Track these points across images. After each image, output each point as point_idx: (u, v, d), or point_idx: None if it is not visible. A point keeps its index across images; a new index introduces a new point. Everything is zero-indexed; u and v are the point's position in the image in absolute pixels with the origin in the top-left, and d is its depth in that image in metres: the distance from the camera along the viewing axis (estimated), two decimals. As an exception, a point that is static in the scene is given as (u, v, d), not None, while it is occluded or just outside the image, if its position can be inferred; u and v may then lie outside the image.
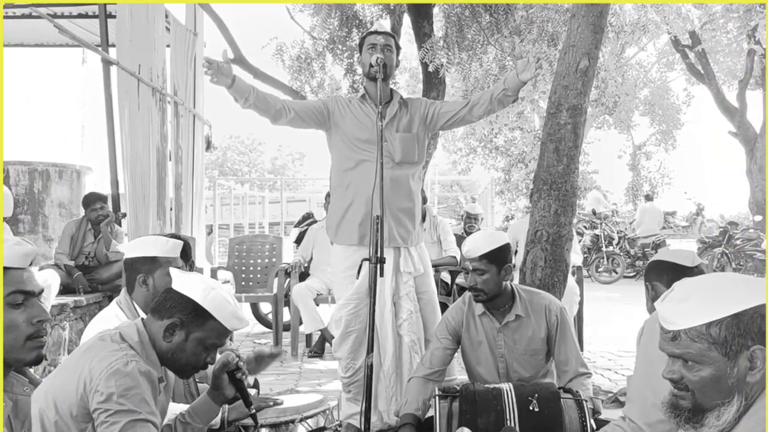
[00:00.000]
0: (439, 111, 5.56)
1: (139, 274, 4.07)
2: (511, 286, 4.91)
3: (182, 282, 3.17)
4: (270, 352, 4.39)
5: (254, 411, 3.45)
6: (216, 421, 3.94)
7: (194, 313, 3.09)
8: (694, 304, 2.31)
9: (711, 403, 2.33)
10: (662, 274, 3.76)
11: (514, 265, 5.05)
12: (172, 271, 3.28)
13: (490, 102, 5.40)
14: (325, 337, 8.78)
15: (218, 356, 3.49)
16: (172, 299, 3.13)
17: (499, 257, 4.75)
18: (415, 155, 5.49)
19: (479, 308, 4.91)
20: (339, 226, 5.44)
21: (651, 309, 3.71)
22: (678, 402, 2.39)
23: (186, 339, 3.09)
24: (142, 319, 3.21)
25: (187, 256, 4.94)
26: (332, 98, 5.60)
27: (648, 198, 23.99)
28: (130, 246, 4.31)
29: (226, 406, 4.02)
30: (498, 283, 4.76)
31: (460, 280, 9.61)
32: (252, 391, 4.30)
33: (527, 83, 5.40)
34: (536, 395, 4.10)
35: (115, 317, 3.85)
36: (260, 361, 4.43)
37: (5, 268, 2.34)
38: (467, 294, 5.04)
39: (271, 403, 4.05)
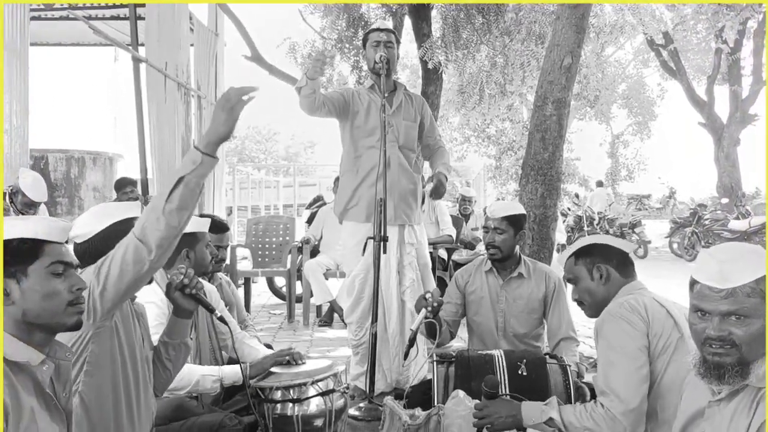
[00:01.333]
0: (428, 125, 5.79)
1: (184, 248, 4.06)
2: (519, 253, 5.00)
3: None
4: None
5: (219, 315, 3.38)
6: (239, 378, 3.95)
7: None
8: (746, 263, 2.36)
9: (755, 355, 2.36)
10: (611, 259, 3.49)
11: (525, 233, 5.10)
12: None
13: (431, 163, 5.76)
14: (334, 308, 8.79)
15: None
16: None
17: (518, 222, 4.89)
18: (414, 143, 5.62)
19: (487, 265, 5.00)
20: (348, 205, 5.48)
21: (603, 293, 3.47)
22: (722, 360, 2.39)
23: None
24: None
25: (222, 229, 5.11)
26: (347, 90, 5.59)
27: (599, 184, 24.21)
28: None
29: (248, 364, 4.02)
30: (512, 245, 4.88)
31: (456, 257, 9.61)
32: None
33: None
34: (524, 360, 4.10)
35: (152, 292, 3.81)
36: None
37: (47, 242, 2.38)
38: (480, 258, 5.16)
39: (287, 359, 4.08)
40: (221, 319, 3.39)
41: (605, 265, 3.47)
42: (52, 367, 2.40)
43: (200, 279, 3.26)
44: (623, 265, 3.50)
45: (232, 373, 3.96)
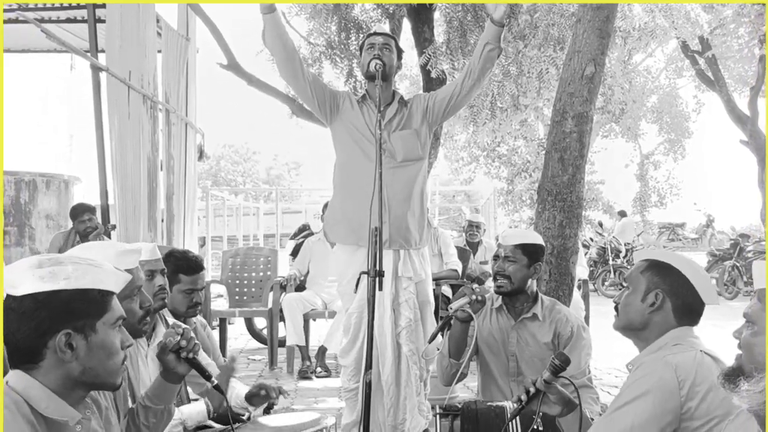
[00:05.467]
0: (437, 99, 5.53)
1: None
2: (536, 290, 4.93)
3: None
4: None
5: (215, 383, 3.34)
6: (203, 417, 3.95)
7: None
8: None
9: (749, 368, 2.38)
10: (679, 297, 3.28)
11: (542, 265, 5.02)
12: None
13: (478, 62, 5.33)
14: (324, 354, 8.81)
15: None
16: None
17: (533, 252, 4.82)
18: (419, 150, 5.45)
19: (497, 302, 4.93)
20: (338, 223, 5.45)
21: (640, 320, 3.34)
22: (734, 362, 2.48)
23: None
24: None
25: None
26: (344, 93, 5.64)
27: (622, 214, 24.44)
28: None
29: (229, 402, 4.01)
30: (525, 276, 4.79)
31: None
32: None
33: (504, 29, 5.32)
34: (541, 413, 4.08)
35: None
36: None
37: (113, 294, 2.45)
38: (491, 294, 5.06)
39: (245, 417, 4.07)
40: (217, 388, 3.34)
41: (668, 299, 3.30)
42: (86, 427, 2.47)
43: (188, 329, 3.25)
44: (689, 312, 3.33)
45: (194, 412, 3.96)
